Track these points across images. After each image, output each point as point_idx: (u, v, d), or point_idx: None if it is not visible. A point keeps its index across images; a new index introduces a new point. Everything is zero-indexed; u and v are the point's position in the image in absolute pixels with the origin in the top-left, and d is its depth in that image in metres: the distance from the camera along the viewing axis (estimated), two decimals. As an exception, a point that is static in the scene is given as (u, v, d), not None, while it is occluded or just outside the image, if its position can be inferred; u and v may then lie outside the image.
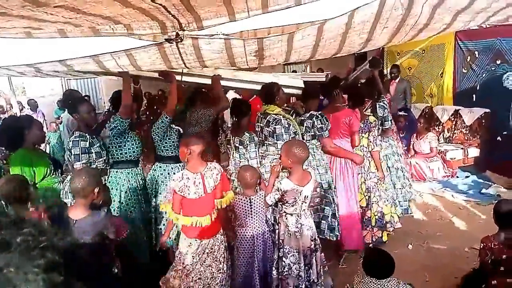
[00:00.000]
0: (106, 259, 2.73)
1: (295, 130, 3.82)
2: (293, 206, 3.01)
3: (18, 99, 11.07)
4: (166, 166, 3.81)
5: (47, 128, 9.12)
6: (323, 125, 3.84)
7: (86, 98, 9.61)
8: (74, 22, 2.12)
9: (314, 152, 3.89)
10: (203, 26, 2.39)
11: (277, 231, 3.16)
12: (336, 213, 3.89)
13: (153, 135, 3.79)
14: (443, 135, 7.20)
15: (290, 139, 3.63)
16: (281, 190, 2.97)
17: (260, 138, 3.88)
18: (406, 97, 7.18)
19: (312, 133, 3.89)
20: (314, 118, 3.85)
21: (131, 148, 3.68)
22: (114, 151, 3.65)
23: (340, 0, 2.40)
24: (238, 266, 3.21)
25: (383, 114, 4.55)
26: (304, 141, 3.85)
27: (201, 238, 2.95)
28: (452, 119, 7.01)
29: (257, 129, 3.97)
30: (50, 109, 10.97)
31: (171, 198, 2.97)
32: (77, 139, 3.38)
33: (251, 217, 3.19)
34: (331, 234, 3.87)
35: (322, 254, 3.24)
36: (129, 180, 3.68)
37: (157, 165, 3.86)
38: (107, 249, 2.75)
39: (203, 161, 3.01)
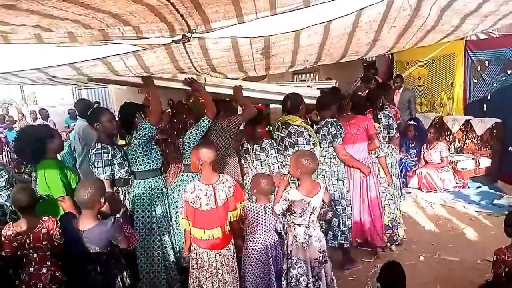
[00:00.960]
0: (115, 268, 2.73)
1: (314, 142, 3.86)
2: (301, 216, 2.97)
3: (29, 109, 11.24)
4: (193, 176, 3.64)
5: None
6: (337, 132, 3.91)
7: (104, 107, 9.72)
8: (83, 20, 2.14)
9: (330, 161, 4.00)
10: (212, 28, 2.40)
11: (285, 241, 3.11)
12: (350, 220, 4.03)
13: (187, 142, 3.67)
14: (453, 145, 7.10)
15: (302, 150, 3.60)
16: (288, 200, 2.94)
17: (279, 147, 3.93)
18: (410, 106, 7.13)
19: (328, 140, 3.98)
20: (329, 125, 3.93)
21: (156, 157, 3.60)
22: (140, 160, 3.55)
23: (348, 0, 2.39)
24: (247, 276, 3.14)
25: (388, 123, 4.67)
26: (321, 148, 3.93)
27: (215, 249, 2.94)
28: (463, 129, 6.92)
29: (276, 137, 4.02)
30: (61, 118, 11.10)
31: (185, 210, 2.95)
32: (100, 151, 3.33)
33: (264, 226, 3.14)
34: (345, 241, 4.03)
35: (331, 265, 3.18)
36: (153, 189, 3.58)
37: (184, 175, 3.73)
38: (116, 258, 2.75)
39: (216, 172, 3.00)
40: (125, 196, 3.51)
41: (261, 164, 3.88)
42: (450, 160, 6.60)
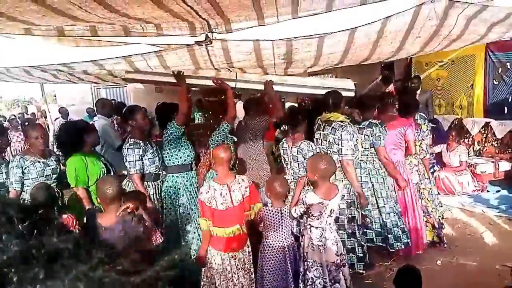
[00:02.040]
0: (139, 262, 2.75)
1: (356, 138, 3.86)
2: (318, 219, 2.97)
3: (49, 108, 11.41)
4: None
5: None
6: (381, 134, 3.91)
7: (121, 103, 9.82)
8: (107, 21, 2.18)
9: (373, 160, 4.04)
10: (232, 29, 2.42)
11: (302, 243, 3.11)
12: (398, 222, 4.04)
13: (211, 143, 3.82)
14: (473, 148, 6.99)
15: (319, 153, 3.65)
16: (306, 203, 2.94)
17: (321, 146, 3.91)
18: (428, 108, 7.03)
19: (370, 142, 3.97)
20: (373, 127, 3.93)
21: (185, 153, 3.73)
22: (170, 155, 3.71)
23: (373, 8, 2.37)
24: (265, 279, 3.14)
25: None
26: (363, 148, 3.93)
27: (231, 251, 2.95)
28: (483, 131, 6.81)
29: (317, 136, 4.01)
30: (80, 117, 11.23)
31: (202, 210, 2.99)
32: (132, 146, 3.46)
33: (281, 229, 3.14)
34: (397, 244, 4.03)
35: (349, 269, 3.16)
36: (184, 184, 3.71)
37: (213, 172, 3.83)
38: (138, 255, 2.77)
39: (232, 173, 3.04)
40: (155, 191, 3.63)
41: (299, 166, 3.86)
42: (469, 163, 6.50)
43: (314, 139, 3.93)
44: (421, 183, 4.41)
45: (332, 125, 3.78)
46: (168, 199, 3.65)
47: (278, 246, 3.12)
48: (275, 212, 3.13)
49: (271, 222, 3.13)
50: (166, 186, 3.68)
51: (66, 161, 3.50)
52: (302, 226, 3.17)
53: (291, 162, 3.91)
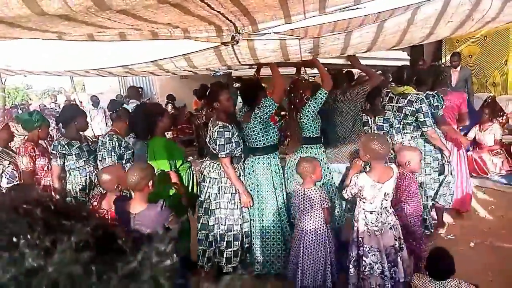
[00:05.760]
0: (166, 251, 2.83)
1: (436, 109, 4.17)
2: (371, 203, 2.90)
3: (79, 96, 11.70)
4: (312, 148, 3.80)
5: (106, 124, 9.59)
6: (439, 104, 4.16)
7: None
8: (136, 28, 2.22)
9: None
10: (259, 29, 2.41)
11: (355, 228, 3.06)
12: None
13: (305, 115, 3.74)
14: (507, 127, 6.77)
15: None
16: (358, 185, 2.90)
17: (395, 118, 4.09)
18: (467, 86, 6.81)
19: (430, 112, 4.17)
20: (431, 97, 4.16)
21: (273, 133, 3.72)
22: (260, 136, 3.66)
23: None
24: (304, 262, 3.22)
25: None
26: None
27: None
28: (518, 109, 6.59)
29: (388, 108, 4.14)
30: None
31: None
32: (221, 129, 3.44)
33: (303, 211, 3.19)
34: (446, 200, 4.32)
35: (406, 253, 3.10)
36: (270, 165, 3.69)
37: (303, 147, 3.82)
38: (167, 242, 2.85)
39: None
40: (240, 173, 3.65)
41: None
42: (504, 142, 6.30)
43: (386, 111, 4.09)
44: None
45: (408, 98, 4.00)
46: (256, 182, 3.65)
47: (298, 228, 3.22)
48: (298, 192, 3.18)
49: (295, 203, 3.21)
50: (254, 169, 3.68)
51: (149, 146, 3.60)
52: (356, 211, 3.09)
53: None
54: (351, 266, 3.04)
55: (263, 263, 3.65)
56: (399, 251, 2.97)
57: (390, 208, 3.00)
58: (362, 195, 2.90)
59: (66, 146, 3.82)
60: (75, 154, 3.85)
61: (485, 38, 7.22)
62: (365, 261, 2.93)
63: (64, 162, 3.87)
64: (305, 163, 3.18)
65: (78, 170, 3.90)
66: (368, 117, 4.07)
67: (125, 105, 5.24)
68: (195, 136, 9.54)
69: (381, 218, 2.91)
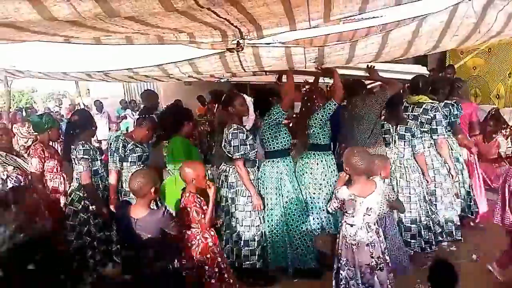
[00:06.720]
0: (167, 255, 2.78)
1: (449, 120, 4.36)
2: (353, 217, 2.86)
3: (84, 101, 11.76)
4: (319, 155, 3.89)
5: (109, 129, 9.64)
6: (458, 112, 4.37)
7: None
8: (142, 32, 2.23)
9: (453, 142, 4.46)
10: (263, 35, 2.42)
11: (337, 240, 3.03)
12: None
13: (313, 123, 3.84)
14: (510, 139, 6.73)
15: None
16: (338, 198, 2.89)
17: (410, 127, 4.07)
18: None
19: (448, 121, 4.37)
20: (450, 106, 4.36)
21: (285, 138, 3.77)
22: (270, 141, 3.76)
23: (406, 7, 2.30)
24: None
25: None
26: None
27: None
28: (522, 122, 6.55)
29: (406, 118, 4.14)
30: (112, 109, 11.53)
31: None
32: (236, 131, 3.51)
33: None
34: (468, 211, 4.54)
35: (391, 274, 2.99)
36: (282, 168, 3.75)
37: (309, 153, 3.91)
38: (168, 246, 2.80)
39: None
40: (252, 177, 3.68)
41: (404, 144, 3.99)
42: (507, 155, 6.26)
43: (408, 120, 4.09)
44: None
45: (423, 107, 4.14)
46: (269, 185, 3.71)
47: None
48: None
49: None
50: (266, 172, 3.75)
51: (169, 146, 3.69)
52: (340, 223, 3.11)
53: (395, 141, 4.06)
54: (333, 277, 3.03)
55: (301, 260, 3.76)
56: (376, 270, 2.86)
57: (374, 224, 2.92)
58: (345, 208, 2.89)
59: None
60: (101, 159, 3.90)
61: (490, 50, 7.23)
62: (341, 274, 2.91)
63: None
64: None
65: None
66: (390, 125, 4.07)
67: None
68: (198, 142, 9.55)
69: (359, 232, 2.86)
